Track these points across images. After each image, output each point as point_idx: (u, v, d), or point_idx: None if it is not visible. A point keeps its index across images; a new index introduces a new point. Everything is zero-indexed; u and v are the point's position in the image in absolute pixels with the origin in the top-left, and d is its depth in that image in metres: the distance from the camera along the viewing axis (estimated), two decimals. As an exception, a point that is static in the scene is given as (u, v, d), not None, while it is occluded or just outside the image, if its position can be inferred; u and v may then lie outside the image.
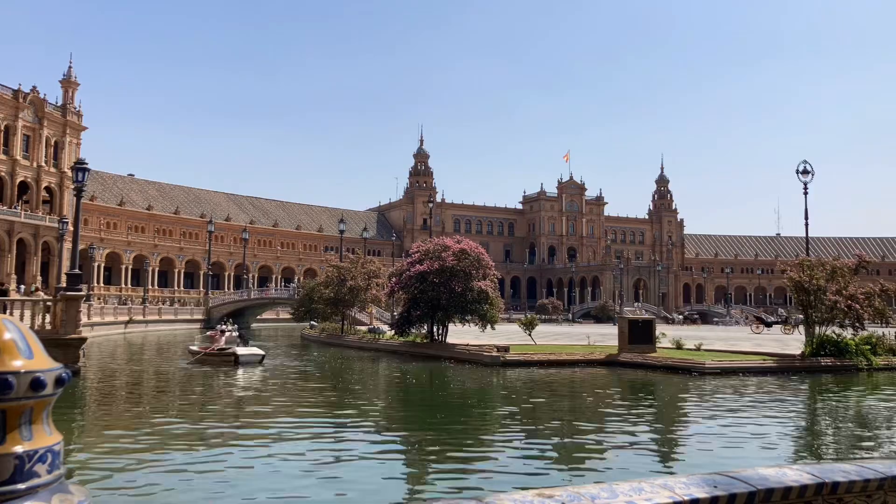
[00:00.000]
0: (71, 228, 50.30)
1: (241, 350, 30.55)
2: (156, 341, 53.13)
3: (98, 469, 11.26)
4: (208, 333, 32.63)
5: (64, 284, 32.07)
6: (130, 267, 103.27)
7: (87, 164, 29.42)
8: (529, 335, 37.93)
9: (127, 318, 65.59)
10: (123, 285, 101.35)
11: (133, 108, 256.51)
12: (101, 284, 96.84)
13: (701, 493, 2.20)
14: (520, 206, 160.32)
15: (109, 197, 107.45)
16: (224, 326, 34.25)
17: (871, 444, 14.64)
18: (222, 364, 29.22)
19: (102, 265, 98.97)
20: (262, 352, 31.27)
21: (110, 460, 12.05)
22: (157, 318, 72.35)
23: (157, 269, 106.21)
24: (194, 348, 33.27)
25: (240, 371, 27.79)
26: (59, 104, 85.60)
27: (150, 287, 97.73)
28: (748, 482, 2.31)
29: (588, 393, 23.65)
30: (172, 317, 76.30)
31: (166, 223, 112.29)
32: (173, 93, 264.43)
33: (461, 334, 39.24)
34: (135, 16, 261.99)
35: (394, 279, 40.59)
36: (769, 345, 38.85)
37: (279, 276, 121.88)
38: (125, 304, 78.35)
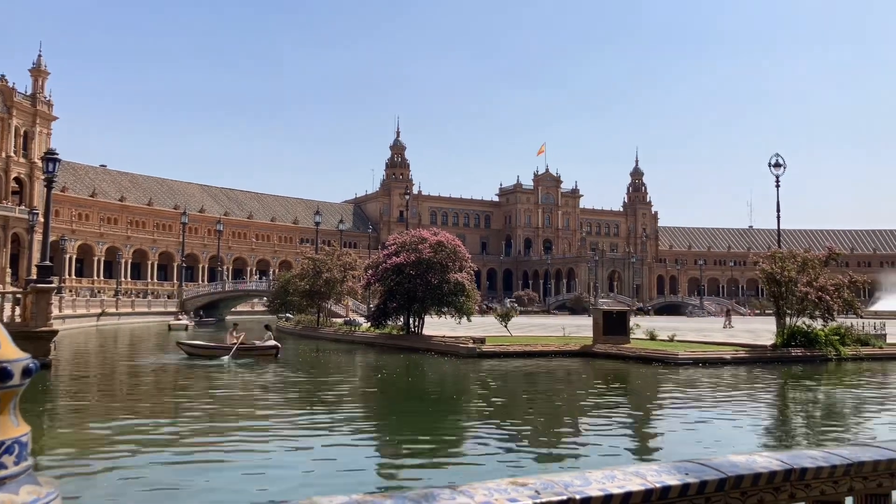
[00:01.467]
0: (41, 220, 49.50)
1: (270, 343, 29.64)
2: (129, 334, 52.59)
3: (66, 461, 11.14)
4: (231, 334, 30.82)
5: (34, 276, 31.45)
6: (103, 259, 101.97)
7: (57, 154, 28.96)
8: (505, 326, 38.07)
9: (99, 311, 64.84)
10: (96, 277, 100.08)
11: (105, 99, 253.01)
12: (73, 277, 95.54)
13: (672, 481, 2.23)
14: (496, 199, 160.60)
15: (81, 188, 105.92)
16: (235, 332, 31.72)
17: (839, 431, 14.91)
18: (262, 358, 28.52)
19: (74, 257, 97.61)
20: (277, 344, 30.43)
21: (79, 452, 11.92)
22: (130, 310, 71.60)
23: (129, 261, 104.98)
24: (187, 342, 31.99)
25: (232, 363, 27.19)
26: (28, 93, 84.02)
27: (122, 279, 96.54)
28: (719, 469, 2.34)
29: (563, 383, 23.81)
30: (146, 309, 75.56)
31: (139, 214, 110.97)
32: (146, 83, 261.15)
33: (437, 326, 39.31)
34: (107, 5, 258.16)
35: (370, 271, 40.53)
36: (741, 335, 39.36)
37: (254, 269, 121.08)
38: (97, 296, 77.38)
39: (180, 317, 67.57)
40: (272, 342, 30.23)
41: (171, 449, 12.32)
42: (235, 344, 29.28)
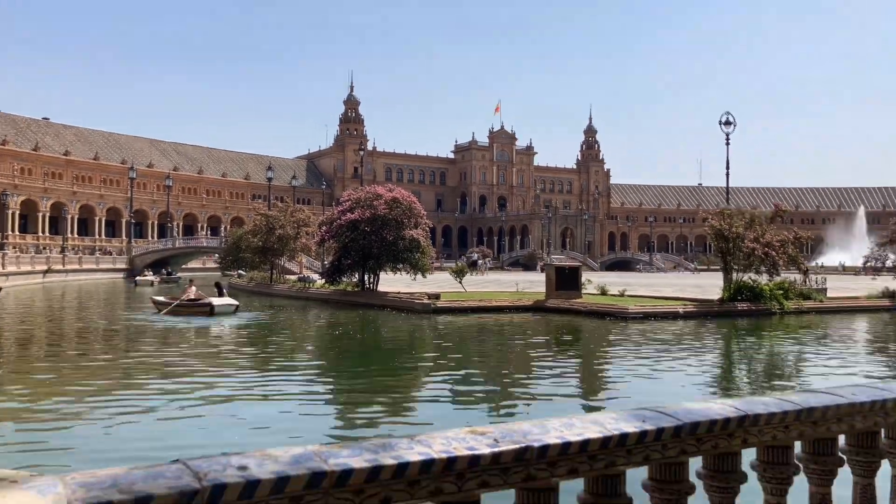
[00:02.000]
0: (-20, 174, 47.78)
1: (217, 300, 29.75)
2: (77, 291, 51.45)
3: (9, 417, 10.92)
4: (186, 290, 31.10)
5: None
6: (48, 215, 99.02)
7: (-5, 105, 27.82)
8: (460, 282, 38.25)
9: (45, 268, 63.22)
10: (41, 234, 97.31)
11: (47, 48, 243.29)
12: (17, 233, 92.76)
13: (630, 428, 2.24)
14: (451, 156, 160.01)
15: (23, 141, 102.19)
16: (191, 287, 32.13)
17: (783, 381, 15.43)
18: (198, 314, 28.44)
19: (17, 213, 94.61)
20: (236, 302, 30.71)
21: (22, 408, 11.68)
22: (77, 267, 69.96)
23: (76, 217, 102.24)
24: (160, 299, 32.03)
25: (211, 321, 27.09)
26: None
27: (69, 236, 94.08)
28: (675, 416, 2.37)
29: (517, 337, 24.10)
30: (94, 266, 73.95)
31: (85, 169, 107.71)
32: (91, 33, 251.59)
33: (392, 283, 39.31)
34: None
35: (324, 228, 40.18)
36: (690, 290, 40.24)
37: (205, 225, 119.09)
38: (43, 253, 75.34)
39: (146, 273, 66.94)
40: (228, 300, 30.47)
41: (119, 403, 12.14)
42: (181, 299, 29.56)
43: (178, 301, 29.54)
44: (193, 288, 31.30)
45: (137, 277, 63.73)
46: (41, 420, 11.03)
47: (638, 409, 2.42)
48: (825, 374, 15.83)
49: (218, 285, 34.00)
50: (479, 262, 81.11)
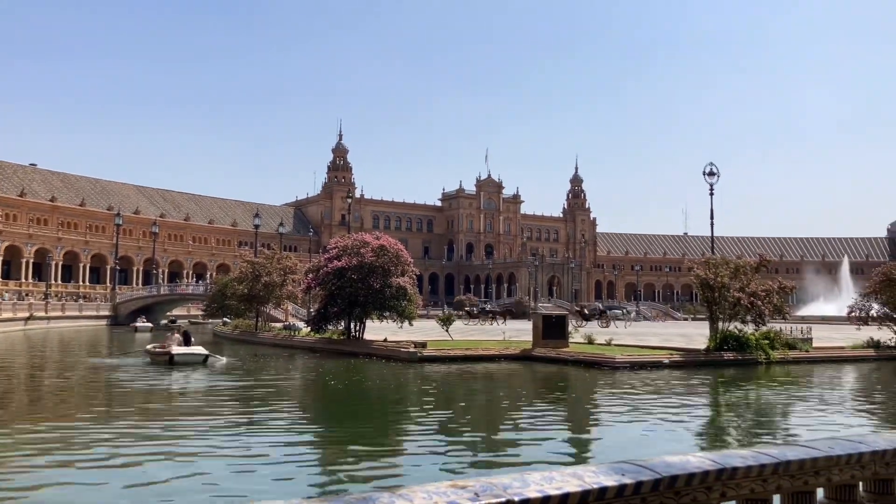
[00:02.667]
0: (-35, 220, 47.57)
1: (176, 349, 27.39)
2: (58, 338, 50.84)
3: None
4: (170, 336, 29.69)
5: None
6: (32, 261, 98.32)
7: (-17, 151, 27.84)
8: (447, 331, 38.14)
9: (27, 314, 62.55)
10: (24, 280, 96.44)
11: (35, 95, 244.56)
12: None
13: (609, 482, 2.27)
14: (439, 204, 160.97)
15: (9, 187, 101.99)
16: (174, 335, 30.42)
17: (768, 432, 15.40)
18: (158, 364, 26.84)
19: (1, 258, 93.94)
20: (204, 351, 28.32)
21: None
22: (60, 314, 69.29)
23: (60, 263, 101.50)
24: (152, 347, 30.31)
25: (174, 374, 25.05)
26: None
27: (53, 282, 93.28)
28: (654, 470, 2.39)
29: (503, 387, 23.97)
30: (77, 312, 73.23)
31: (71, 215, 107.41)
32: (80, 80, 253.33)
33: (379, 330, 39.13)
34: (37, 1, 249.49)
35: (311, 275, 40.09)
36: (676, 339, 40.29)
37: (191, 272, 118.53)
38: (25, 299, 74.60)
39: (142, 319, 66.66)
40: (194, 349, 28.65)
41: (95, 454, 11.94)
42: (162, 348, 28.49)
43: (165, 350, 28.07)
44: (177, 336, 29.58)
45: (137, 324, 63.31)
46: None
47: (617, 462, 2.44)
48: (809, 426, 15.82)
49: (185, 333, 31.30)
50: (614, 312, 77.67)
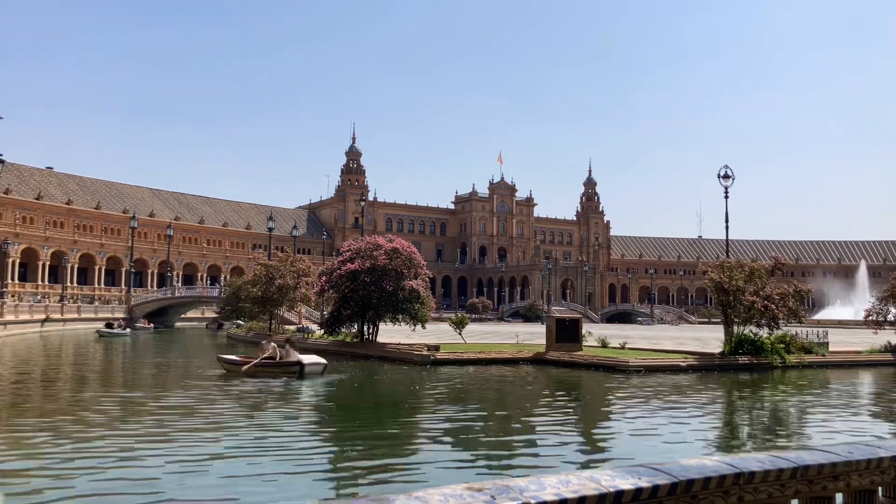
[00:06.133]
0: (-17, 222, 48.06)
1: (307, 358, 25.43)
2: (74, 340, 51.22)
3: (12, 473, 10.79)
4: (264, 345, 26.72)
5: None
6: (48, 263, 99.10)
7: (1, 155, 28.16)
8: (460, 334, 38.11)
9: (44, 317, 63.08)
10: (40, 282, 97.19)
11: (52, 99, 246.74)
12: (16, 281, 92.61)
13: (626, 485, 2.26)
14: (452, 206, 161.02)
15: (26, 190, 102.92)
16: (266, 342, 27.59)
17: (785, 437, 15.28)
18: (282, 374, 24.73)
19: (18, 261, 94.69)
20: (324, 361, 26.27)
21: (24, 464, 11.55)
22: (76, 316, 69.82)
23: (76, 266, 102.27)
24: (233, 357, 27.36)
25: (301, 383, 23.49)
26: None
27: (69, 284, 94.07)
28: (670, 473, 2.38)
29: (517, 390, 23.92)
30: (92, 315, 73.75)
31: (87, 218, 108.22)
32: (96, 84, 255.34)
33: (392, 333, 39.16)
34: (53, 3, 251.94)
35: (324, 278, 40.18)
36: (690, 343, 40.09)
37: (205, 275, 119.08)
38: (42, 301, 75.26)
39: (143, 322, 67.67)
40: (316, 359, 26.28)
41: (119, 455, 12.01)
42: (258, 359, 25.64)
43: (258, 360, 25.54)
44: (272, 345, 26.90)
45: (225, 323, 66.57)
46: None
47: (633, 465, 2.43)
48: (826, 431, 15.68)
49: (290, 341, 28.65)
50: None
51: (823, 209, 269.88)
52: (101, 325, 66.60)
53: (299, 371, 24.66)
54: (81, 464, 11.44)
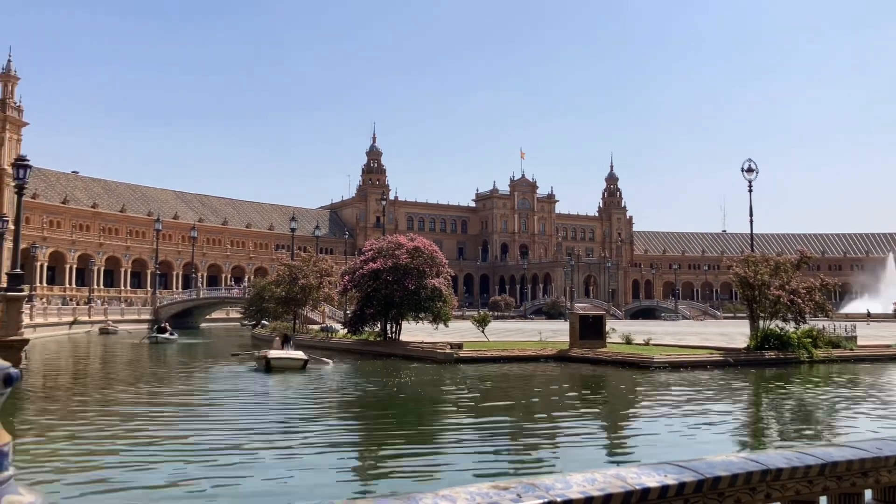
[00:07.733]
0: (12, 227, 48.78)
1: (273, 353, 26.19)
2: (102, 342, 51.89)
3: (47, 470, 10.96)
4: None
5: (5, 284, 30.92)
6: (75, 266, 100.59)
7: (28, 160, 28.51)
8: (482, 332, 38.09)
9: (71, 319, 64.01)
10: (67, 285, 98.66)
11: (77, 104, 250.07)
12: (44, 284, 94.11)
13: (652, 482, 2.26)
14: (473, 204, 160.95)
15: (53, 195, 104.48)
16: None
17: (813, 433, 15.12)
18: (256, 365, 26.17)
19: (45, 264, 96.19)
20: (303, 355, 26.71)
21: (56, 462, 11.74)
22: (102, 318, 70.70)
23: (102, 269, 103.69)
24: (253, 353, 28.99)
25: (270, 380, 23.84)
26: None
27: (95, 287, 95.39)
28: (696, 470, 2.38)
29: (541, 388, 23.87)
30: (119, 317, 74.67)
31: (112, 221, 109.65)
32: (119, 89, 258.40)
33: (414, 332, 39.23)
34: (77, 10, 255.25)
35: (346, 277, 40.35)
36: (715, 339, 39.75)
37: (229, 275, 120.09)
38: (69, 304, 76.35)
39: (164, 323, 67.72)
40: (296, 353, 27.32)
41: (145, 454, 12.16)
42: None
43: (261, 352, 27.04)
44: (277, 339, 28.47)
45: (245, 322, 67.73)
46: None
47: (660, 463, 2.43)
48: (856, 427, 15.49)
49: (286, 336, 30.18)
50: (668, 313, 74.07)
51: (850, 201, 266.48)
52: (131, 327, 67.37)
53: (265, 364, 26.00)
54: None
